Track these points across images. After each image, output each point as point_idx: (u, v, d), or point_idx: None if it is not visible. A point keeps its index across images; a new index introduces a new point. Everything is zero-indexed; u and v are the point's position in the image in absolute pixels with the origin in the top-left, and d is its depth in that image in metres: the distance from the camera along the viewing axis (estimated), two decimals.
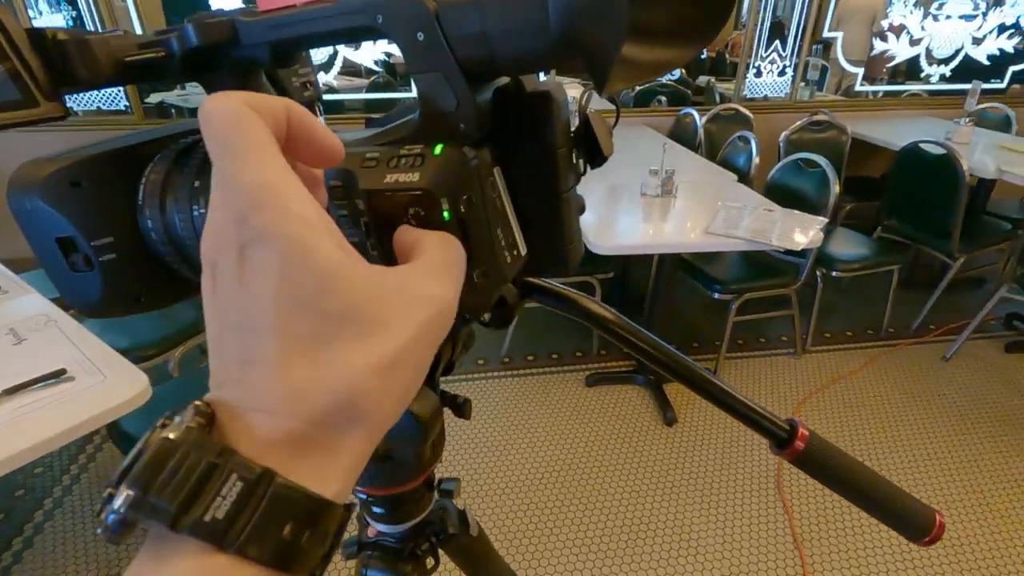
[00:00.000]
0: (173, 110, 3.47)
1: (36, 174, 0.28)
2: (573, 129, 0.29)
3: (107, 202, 0.30)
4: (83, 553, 1.57)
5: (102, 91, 2.95)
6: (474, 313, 0.27)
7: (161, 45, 0.26)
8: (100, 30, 0.27)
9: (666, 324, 2.18)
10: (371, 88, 3.53)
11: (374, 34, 0.24)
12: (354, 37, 0.26)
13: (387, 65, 3.60)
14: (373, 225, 0.25)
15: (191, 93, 3.45)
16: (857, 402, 2.18)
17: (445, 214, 0.23)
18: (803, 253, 2.16)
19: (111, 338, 1.19)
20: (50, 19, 2.83)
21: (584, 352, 2.45)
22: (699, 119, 3.06)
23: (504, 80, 0.26)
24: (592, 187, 2.17)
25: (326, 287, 0.17)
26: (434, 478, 0.42)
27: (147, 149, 0.31)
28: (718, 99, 3.69)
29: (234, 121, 0.17)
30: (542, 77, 0.29)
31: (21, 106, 0.24)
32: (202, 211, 0.29)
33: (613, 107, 0.33)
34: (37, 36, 0.24)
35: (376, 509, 0.41)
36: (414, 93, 0.26)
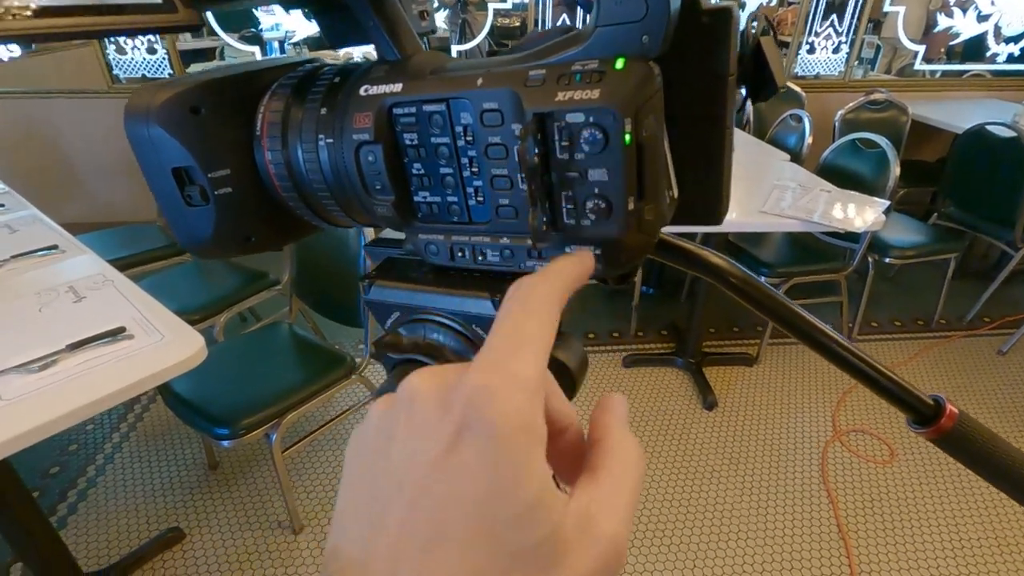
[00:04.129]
0: None
1: (154, 99, 0.26)
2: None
3: (225, 131, 0.28)
4: (134, 506, 1.62)
5: (147, 60, 2.98)
6: (636, 257, 0.24)
7: None
8: None
9: (707, 307, 2.12)
10: None
11: None
12: None
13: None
14: (529, 155, 0.22)
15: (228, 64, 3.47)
16: None
17: (627, 137, 0.21)
18: (855, 238, 2.08)
19: (162, 301, 1.20)
20: None
21: (621, 333, 2.41)
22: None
23: None
24: None
25: (525, 517, 0.15)
26: None
27: (264, 77, 0.29)
28: None
29: (544, 304, 0.19)
30: None
31: (160, 10, 0.22)
32: (329, 140, 0.27)
33: None
34: None
35: None
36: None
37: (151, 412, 1.97)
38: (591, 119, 0.21)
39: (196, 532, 1.55)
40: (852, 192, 1.83)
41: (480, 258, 0.27)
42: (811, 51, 3.22)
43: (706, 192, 0.27)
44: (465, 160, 0.25)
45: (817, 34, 3.18)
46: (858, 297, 2.37)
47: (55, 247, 1.43)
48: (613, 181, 0.22)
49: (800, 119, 2.45)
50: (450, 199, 0.26)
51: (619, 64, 0.21)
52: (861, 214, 1.69)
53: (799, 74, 3.27)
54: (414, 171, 0.27)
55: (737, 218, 1.73)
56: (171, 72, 3.02)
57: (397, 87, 0.25)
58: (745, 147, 2.43)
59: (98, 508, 1.62)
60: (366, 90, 0.26)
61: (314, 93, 0.28)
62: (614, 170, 0.21)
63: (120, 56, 2.95)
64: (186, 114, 0.27)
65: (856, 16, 3.13)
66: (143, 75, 3.01)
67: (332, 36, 0.31)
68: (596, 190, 0.22)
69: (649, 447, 1.85)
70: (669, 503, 1.66)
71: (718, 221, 0.28)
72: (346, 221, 0.30)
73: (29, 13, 0.19)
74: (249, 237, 0.31)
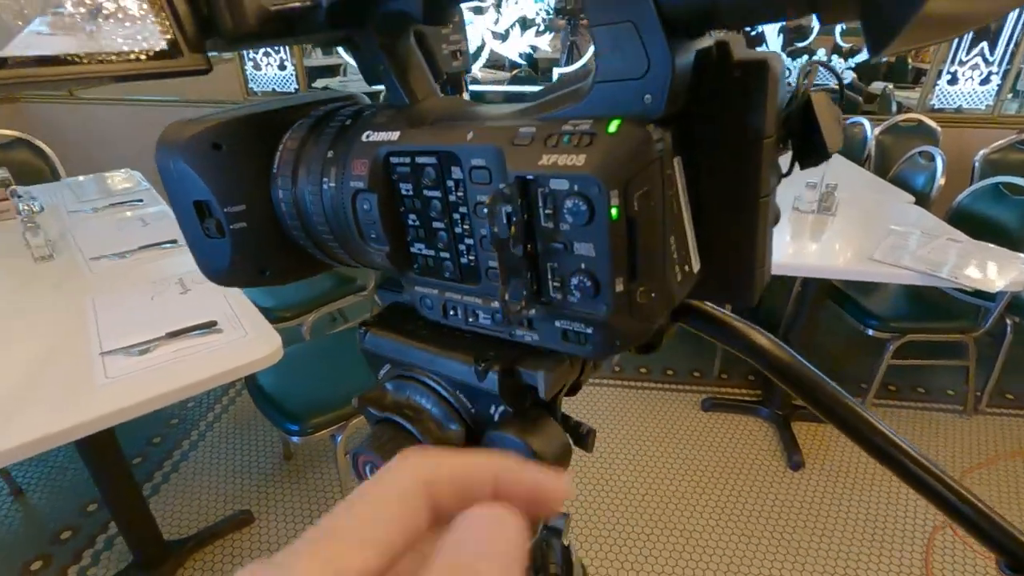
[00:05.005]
0: None
1: (181, 135, 0.27)
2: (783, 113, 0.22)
3: (244, 168, 0.28)
4: (215, 484, 1.75)
5: (277, 75, 3.28)
6: (630, 342, 0.21)
7: None
8: None
9: (803, 356, 1.93)
10: (512, 81, 3.58)
11: None
12: None
13: (530, 59, 3.64)
14: (499, 223, 0.20)
15: (351, 80, 3.73)
16: None
17: (613, 211, 0.18)
18: (992, 296, 1.81)
19: (260, 297, 1.29)
20: None
21: (703, 372, 2.27)
22: (870, 129, 2.69)
23: (705, 42, 0.20)
24: None
25: None
26: None
27: (289, 115, 0.29)
28: (894, 109, 3.24)
29: (388, 493, 0.15)
30: None
31: (165, 56, 0.22)
32: (332, 184, 0.26)
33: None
34: None
35: None
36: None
37: (242, 397, 2.13)
38: (575, 188, 0.18)
39: (264, 517, 1.64)
40: (988, 244, 1.60)
41: (471, 319, 0.25)
42: (952, 82, 2.89)
43: (736, 269, 0.23)
44: (457, 216, 0.23)
45: (962, 63, 2.85)
46: (990, 363, 2.06)
47: (175, 241, 1.60)
48: (599, 258, 0.19)
49: (932, 157, 2.19)
50: (443, 255, 0.25)
51: (612, 127, 0.18)
52: (1003, 272, 1.46)
53: (936, 107, 2.94)
54: (410, 222, 0.25)
55: (845, 264, 1.57)
56: (296, 87, 3.31)
57: (394, 135, 0.24)
58: (861, 185, 2.21)
59: (185, 481, 1.77)
60: (367, 136, 0.25)
61: (326, 135, 0.27)
62: (600, 246, 0.19)
63: (256, 72, 3.27)
64: (208, 150, 0.27)
65: (1015, 43, 2.76)
66: (273, 89, 3.32)
67: (366, 74, 0.30)
68: (582, 265, 0.19)
69: (722, 502, 1.71)
70: (737, 564, 1.51)
71: (750, 301, 0.24)
72: (351, 263, 0.30)
73: (31, 62, 0.19)
74: (264, 270, 0.31)
